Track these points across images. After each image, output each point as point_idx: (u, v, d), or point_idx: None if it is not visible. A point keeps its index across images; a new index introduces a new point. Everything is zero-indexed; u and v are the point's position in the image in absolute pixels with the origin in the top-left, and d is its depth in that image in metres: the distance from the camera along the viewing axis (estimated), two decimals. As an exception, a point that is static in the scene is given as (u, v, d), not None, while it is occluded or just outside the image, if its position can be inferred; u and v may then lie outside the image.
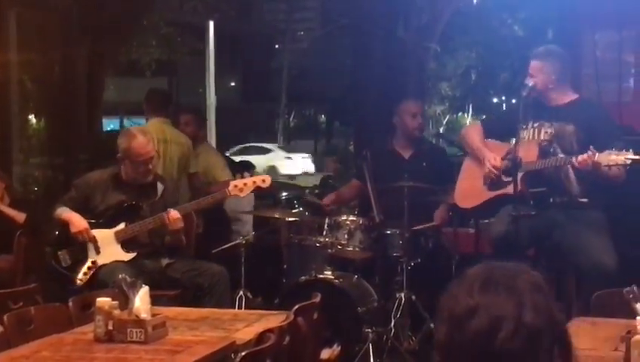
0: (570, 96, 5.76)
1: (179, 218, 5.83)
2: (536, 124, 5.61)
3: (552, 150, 5.54)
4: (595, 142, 5.38)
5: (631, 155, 5.02)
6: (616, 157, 5.05)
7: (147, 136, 6.04)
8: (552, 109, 5.68)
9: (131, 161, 5.89)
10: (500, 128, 6.12)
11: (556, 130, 5.59)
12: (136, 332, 3.78)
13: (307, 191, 12.00)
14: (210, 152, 8.05)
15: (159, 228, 5.92)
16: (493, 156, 5.83)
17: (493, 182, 5.84)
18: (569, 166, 5.36)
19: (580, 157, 5.23)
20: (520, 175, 5.45)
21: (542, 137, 5.61)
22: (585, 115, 5.60)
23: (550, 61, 5.71)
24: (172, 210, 5.83)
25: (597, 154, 5.14)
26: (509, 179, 5.68)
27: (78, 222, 5.83)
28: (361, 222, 6.43)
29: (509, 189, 5.61)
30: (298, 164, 35.28)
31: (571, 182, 5.45)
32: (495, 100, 36.66)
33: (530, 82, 5.62)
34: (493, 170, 5.78)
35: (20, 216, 7.23)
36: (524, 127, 5.61)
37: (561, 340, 1.82)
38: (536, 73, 5.67)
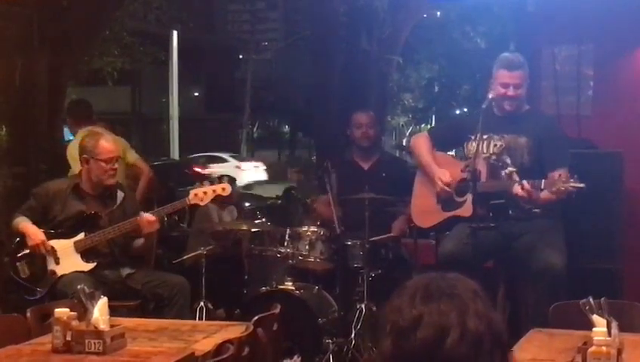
0: (525, 107, 5.79)
1: (154, 220, 5.79)
2: (485, 136, 5.53)
3: (500, 164, 5.53)
4: (545, 153, 5.44)
5: (575, 183, 5.06)
6: (560, 185, 5.08)
7: (112, 136, 6.13)
8: (506, 120, 5.67)
9: (98, 159, 5.87)
10: (448, 138, 6.13)
11: (507, 142, 5.59)
12: (95, 343, 3.76)
13: (269, 202, 12.01)
14: None
15: (126, 234, 5.88)
16: (443, 172, 5.80)
17: (446, 202, 5.82)
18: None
19: (526, 186, 5.22)
20: (470, 196, 5.47)
21: (491, 150, 5.59)
22: (537, 127, 5.63)
23: (527, 69, 5.72)
24: (145, 213, 5.81)
25: (543, 181, 5.18)
26: (463, 199, 5.68)
27: (34, 234, 5.79)
28: (322, 233, 6.45)
29: (464, 211, 5.61)
30: (251, 174, 33.95)
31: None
32: (458, 112, 36.83)
33: (494, 93, 5.62)
34: (445, 188, 5.77)
35: None
36: (472, 138, 5.59)
37: (501, 343, 1.87)
38: (524, 82, 5.64)
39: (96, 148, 5.90)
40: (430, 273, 1.96)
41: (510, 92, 5.61)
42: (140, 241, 5.98)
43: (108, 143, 5.95)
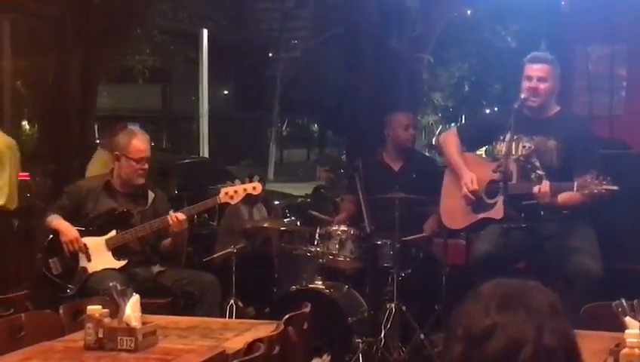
0: (555, 109, 5.75)
1: (183, 219, 5.80)
2: (514, 137, 5.48)
3: (529, 166, 5.49)
4: (575, 156, 5.39)
5: (607, 185, 5.02)
6: (593, 187, 5.05)
7: (146, 136, 6.11)
8: (536, 122, 5.62)
9: (128, 158, 5.88)
10: (477, 137, 6.08)
11: (536, 144, 5.54)
12: (127, 340, 3.78)
13: (299, 200, 12.01)
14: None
15: (156, 232, 5.91)
16: (470, 178, 5.74)
17: (477, 204, 5.77)
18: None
19: (543, 187, 5.21)
20: (501, 199, 5.43)
21: (519, 152, 5.54)
22: (567, 129, 5.57)
23: (555, 67, 5.66)
24: (175, 212, 5.83)
25: (575, 183, 5.14)
26: (494, 200, 5.63)
27: (67, 231, 5.82)
28: (352, 232, 6.44)
29: (495, 213, 5.56)
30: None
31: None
32: (488, 111, 36.67)
33: (525, 93, 5.56)
34: (469, 195, 5.73)
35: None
36: (502, 138, 5.55)
37: (575, 360, 1.82)
38: (548, 77, 5.57)
39: (128, 146, 5.91)
40: (507, 280, 1.89)
41: (532, 83, 5.55)
42: (168, 240, 6.00)
43: (140, 143, 5.95)
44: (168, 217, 5.80)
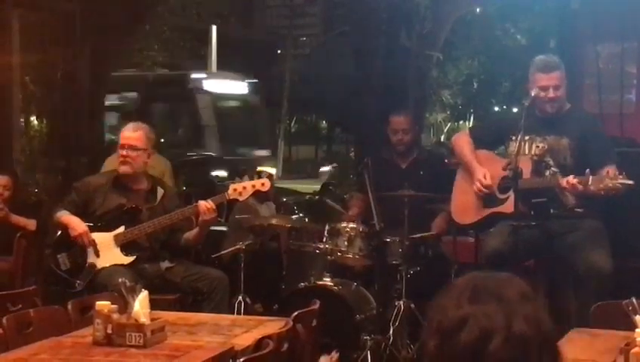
0: (566, 106, 5.72)
1: (213, 207, 5.77)
2: (527, 137, 5.47)
3: (543, 165, 5.48)
4: (588, 154, 5.37)
5: (623, 180, 5.00)
6: (608, 181, 5.03)
7: (139, 126, 6.08)
8: (548, 120, 5.61)
9: (118, 149, 5.91)
10: (489, 138, 6.06)
11: (549, 144, 5.54)
12: (135, 336, 3.78)
13: (307, 197, 12.00)
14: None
15: (166, 227, 5.89)
16: (483, 173, 5.74)
17: (488, 199, 5.76)
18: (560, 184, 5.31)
19: (571, 180, 5.19)
20: (513, 194, 5.40)
21: (533, 151, 5.54)
22: (579, 126, 5.57)
23: (563, 68, 5.64)
24: (202, 201, 5.82)
25: (590, 178, 5.11)
26: (505, 196, 5.62)
27: (77, 225, 5.82)
28: (361, 229, 6.43)
29: (506, 208, 5.55)
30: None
31: (566, 195, 5.43)
32: (497, 109, 36.58)
33: (535, 93, 5.54)
34: (483, 189, 5.72)
35: (31, 224, 7.26)
36: (513, 138, 5.54)
37: (550, 349, 1.83)
38: (562, 82, 5.55)
39: (118, 138, 5.96)
40: (479, 272, 1.92)
41: (550, 94, 5.54)
42: (192, 232, 5.98)
43: (126, 130, 5.97)
44: (200, 203, 5.78)
